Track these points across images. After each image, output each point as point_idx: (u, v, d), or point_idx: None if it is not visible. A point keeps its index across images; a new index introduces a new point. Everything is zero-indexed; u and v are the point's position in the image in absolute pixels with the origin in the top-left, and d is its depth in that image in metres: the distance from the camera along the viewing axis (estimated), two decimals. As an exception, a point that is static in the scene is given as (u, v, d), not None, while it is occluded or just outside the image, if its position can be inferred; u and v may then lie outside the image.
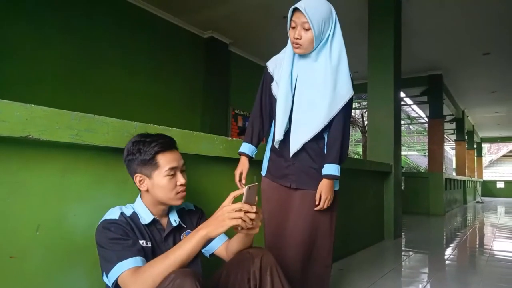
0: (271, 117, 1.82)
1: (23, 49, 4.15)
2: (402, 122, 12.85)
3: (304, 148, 1.68)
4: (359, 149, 19.28)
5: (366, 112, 8.54)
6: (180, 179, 1.29)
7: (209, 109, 6.56)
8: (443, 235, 5.45)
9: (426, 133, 10.83)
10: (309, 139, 1.65)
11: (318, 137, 1.68)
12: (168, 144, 1.30)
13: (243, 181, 1.78)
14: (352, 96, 1.68)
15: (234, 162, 1.90)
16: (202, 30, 6.53)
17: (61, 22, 4.49)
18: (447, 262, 3.55)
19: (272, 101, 1.77)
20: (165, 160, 1.27)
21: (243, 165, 1.80)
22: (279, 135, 1.68)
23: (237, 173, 1.80)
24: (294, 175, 1.73)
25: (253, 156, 1.83)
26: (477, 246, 4.56)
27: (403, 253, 3.98)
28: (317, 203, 1.68)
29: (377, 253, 3.85)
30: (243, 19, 5.98)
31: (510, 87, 9.52)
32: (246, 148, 1.81)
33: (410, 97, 10.62)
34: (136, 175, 1.28)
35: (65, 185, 1.30)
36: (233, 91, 7.03)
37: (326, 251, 1.79)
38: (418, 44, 6.81)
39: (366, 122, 13.04)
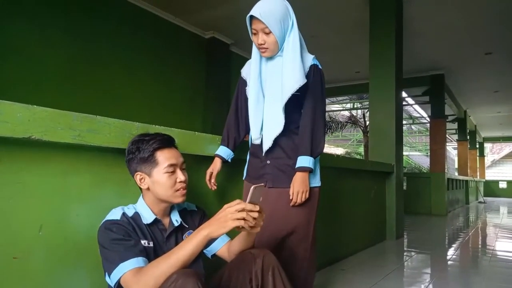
0: (247, 121, 1.82)
1: (25, 50, 4.16)
2: (404, 122, 12.82)
3: (279, 144, 1.68)
4: (361, 149, 19.26)
5: (368, 112, 8.53)
6: (180, 176, 1.29)
7: (210, 109, 6.57)
8: (445, 235, 5.44)
9: (428, 133, 10.81)
10: (277, 134, 1.64)
11: (291, 132, 1.69)
12: (166, 141, 1.31)
13: (213, 180, 1.78)
14: (314, 85, 1.65)
15: (235, 162, 1.90)
16: (203, 30, 6.54)
17: (62, 22, 4.51)
18: (449, 262, 3.55)
19: (247, 105, 1.78)
20: (164, 157, 1.28)
21: (215, 165, 1.79)
22: (255, 135, 1.69)
23: (208, 172, 1.78)
24: (270, 174, 1.72)
25: (229, 160, 1.82)
26: (480, 246, 4.55)
27: (405, 253, 3.97)
28: (291, 197, 1.65)
29: (379, 253, 3.84)
30: (244, 19, 5.96)
31: (512, 86, 9.50)
32: (222, 151, 1.81)
33: (412, 97, 10.60)
34: (136, 173, 1.29)
35: (67, 186, 1.30)
36: (235, 91, 7.03)
37: (304, 254, 1.73)
38: (420, 44, 6.80)
39: (367, 122, 13.02)
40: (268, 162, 1.72)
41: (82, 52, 4.71)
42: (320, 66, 1.72)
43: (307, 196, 1.66)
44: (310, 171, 1.65)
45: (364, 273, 2.96)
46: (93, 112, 1.34)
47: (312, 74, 1.66)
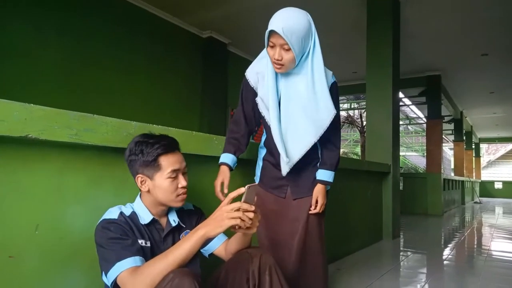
0: (252, 129, 1.81)
1: (21, 49, 4.14)
2: (401, 122, 12.87)
3: (300, 160, 1.66)
4: (358, 150, 19.31)
5: (365, 113, 8.56)
6: (182, 182, 1.29)
7: (207, 109, 6.56)
8: (441, 235, 5.46)
9: (425, 134, 10.85)
10: (300, 157, 1.63)
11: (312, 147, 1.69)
12: (171, 146, 1.29)
13: (226, 191, 1.69)
14: (336, 103, 1.64)
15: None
16: (201, 30, 6.53)
17: (59, 22, 4.49)
18: (445, 262, 3.56)
19: (255, 114, 1.76)
20: (168, 162, 1.26)
21: (224, 175, 1.71)
22: (285, 157, 1.61)
23: (217, 183, 1.69)
24: (289, 186, 1.76)
25: (233, 168, 1.77)
26: (475, 246, 4.57)
27: (401, 253, 3.98)
28: (313, 207, 1.73)
29: (375, 253, 3.85)
30: (242, 19, 5.98)
31: (508, 87, 9.55)
32: (229, 159, 1.74)
33: (409, 97, 10.63)
34: (138, 175, 1.27)
35: (64, 185, 1.30)
36: (232, 91, 7.02)
37: (319, 256, 1.80)
38: (417, 45, 6.82)
39: (364, 123, 13.05)
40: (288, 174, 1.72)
41: (78, 51, 4.68)
42: (336, 82, 1.74)
43: (322, 205, 1.75)
44: (330, 184, 1.76)
45: (360, 273, 2.97)
46: (89, 112, 1.33)
47: (334, 92, 1.68)
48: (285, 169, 1.66)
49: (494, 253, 4.00)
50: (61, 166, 1.29)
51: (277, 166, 1.74)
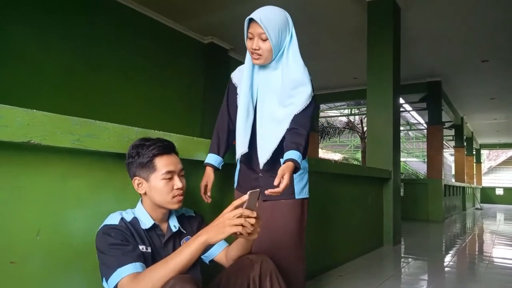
0: (235, 128, 1.76)
1: (24, 54, 4.16)
2: (401, 128, 12.88)
3: (276, 158, 1.63)
4: (358, 155, 19.30)
5: (365, 118, 8.57)
6: (177, 183, 1.30)
7: (209, 115, 6.58)
8: (442, 241, 5.44)
9: (425, 140, 10.85)
10: (275, 147, 1.58)
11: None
12: (166, 148, 1.31)
13: (209, 194, 1.71)
14: (313, 97, 1.63)
15: (232, 168, 1.90)
16: (202, 35, 6.56)
17: (62, 27, 4.52)
18: (446, 269, 3.55)
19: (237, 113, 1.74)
20: (162, 164, 1.28)
21: (208, 177, 1.72)
22: (243, 148, 1.62)
23: (202, 185, 1.71)
24: (263, 187, 1.60)
25: (219, 168, 1.76)
26: (477, 253, 4.55)
27: (402, 259, 3.97)
28: (276, 182, 1.38)
29: (376, 259, 3.84)
30: (243, 25, 6.00)
31: (508, 93, 9.57)
32: (213, 159, 1.74)
33: (409, 103, 10.65)
34: (134, 178, 1.30)
35: (66, 190, 1.30)
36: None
37: (296, 270, 1.70)
38: (417, 51, 6.85)
39: (365, 128, 13.06)
40: (261, 175, 1.69)
41: (81, 56, 4.71)
42: (311, 81, 1.71)
43: (286, 185, 1.42)
44: (297, 166, 1.48)
45: (361, 279, 2.95)
46: (91, 117, 1.34)
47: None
48: (261, 161, 1.59)
49: (495, 259, 3.98)
50: (63, 171, 1.30)
51: (252, 167, 1.70)
